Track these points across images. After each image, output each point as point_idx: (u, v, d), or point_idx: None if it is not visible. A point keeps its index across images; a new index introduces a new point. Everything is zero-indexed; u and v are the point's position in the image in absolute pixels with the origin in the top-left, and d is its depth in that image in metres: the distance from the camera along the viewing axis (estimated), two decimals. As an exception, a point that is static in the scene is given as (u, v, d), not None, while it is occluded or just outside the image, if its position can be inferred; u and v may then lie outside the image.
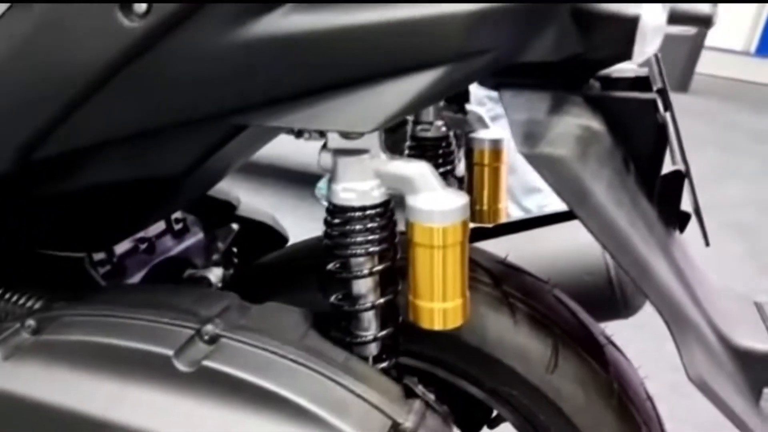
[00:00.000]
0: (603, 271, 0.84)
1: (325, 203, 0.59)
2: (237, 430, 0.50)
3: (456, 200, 0.53)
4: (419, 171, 0.54)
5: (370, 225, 0.57)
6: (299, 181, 2.88)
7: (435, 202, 0.53)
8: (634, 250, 0.52)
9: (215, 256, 0.94)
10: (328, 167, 0.56)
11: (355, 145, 0.55)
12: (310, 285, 0.67)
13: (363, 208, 0.56)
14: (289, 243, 0.99)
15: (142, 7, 0.45)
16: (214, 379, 0.52)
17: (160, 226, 0.87)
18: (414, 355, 0.68)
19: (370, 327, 0.62)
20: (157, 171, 0.64)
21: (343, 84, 0.46)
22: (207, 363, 0.52)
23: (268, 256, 0.78)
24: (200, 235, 0.93)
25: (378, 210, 0.57)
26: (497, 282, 0.68)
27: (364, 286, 0.60)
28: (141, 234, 0.84)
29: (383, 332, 0.62)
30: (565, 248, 0.86)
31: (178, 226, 0.89)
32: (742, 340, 0.60)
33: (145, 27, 0.45)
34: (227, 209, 0.98)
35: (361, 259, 0.59)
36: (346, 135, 0.54)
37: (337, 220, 0.57)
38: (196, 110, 0.49)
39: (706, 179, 3.00)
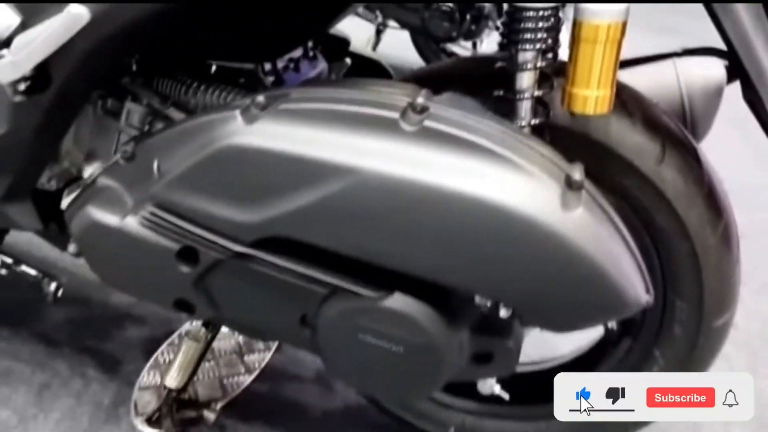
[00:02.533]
0: (678, 102, 0.99)
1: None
2: (456, 171, 0.65)
3: (619, 5, 0.67)
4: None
5: (543, 23, 0.70)
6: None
7: (602, 5, 0.66)
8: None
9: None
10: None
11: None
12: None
13: (539, 6, 0.69)
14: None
15: None
16: (433, 135, 0.66)
17: (299, 52, 0.99)
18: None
19: (526, 118, 0.76)
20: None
21: None
22: (428, 123, 0.66)
23: (420, 69, 0.91)
24: (325, 65, 1.05)
25: (549, 12, 0.70)
26: (619, 91, 0.82)
27: (528, 77, 0.74)
28: (289, 55, 0.96)
29: (536, 120, 0.76)
30: (647, 83, 1.00)
31: (311, 54, 1.01)
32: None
33: None
34: (343, 45, 1.10)
35: (528, 54, 0.72)
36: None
37: (518, 16, 0.70)
38: None
39: None
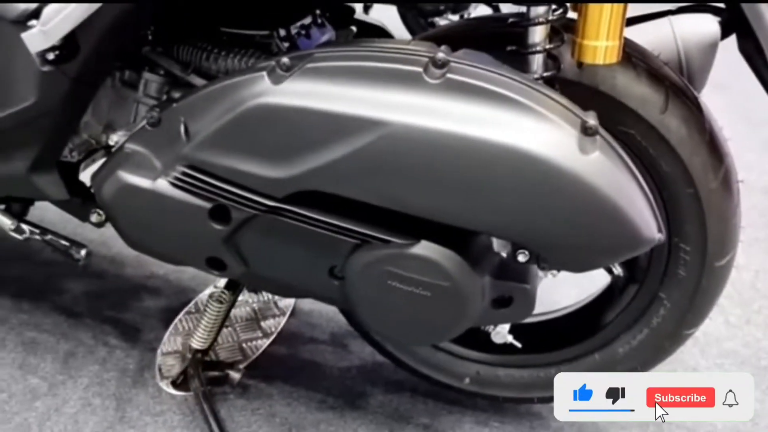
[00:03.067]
0: (675, 57, 1.03)
1: None
2: (478, 120, 0.69)
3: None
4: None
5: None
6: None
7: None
8: None
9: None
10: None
11: None
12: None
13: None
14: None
15: None
16: (456, 87, 0.70)
17: (309, 20, 1.01)
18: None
19: (538, 69, 0.80)
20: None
21: None
22: (450, 76, 0.70)
23: (432, 31, 0.94)
24: (332, 32, 1.08)
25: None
26: (623, 45, 0.86)
27: (540, 32, 0.77)
28: (300, 22, 0.98)
29: (547, 73, 0.80)
30: (645, 40, 1.04)
31: (320, 21, 1.04)
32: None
33: None
34: (348, 13, 1.12)
35: (540, 9, 0.76)
36: None
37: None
38: None
39: None
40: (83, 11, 0.74)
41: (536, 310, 1.13)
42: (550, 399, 1.12)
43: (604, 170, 0.71)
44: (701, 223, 0.92)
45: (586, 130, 0.71)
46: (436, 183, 0.71)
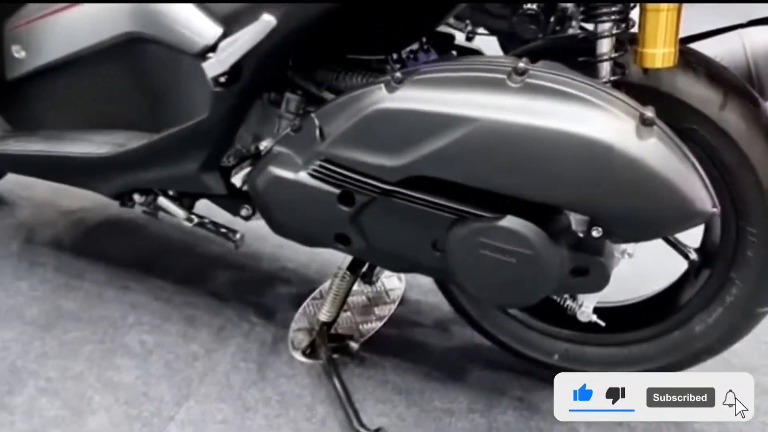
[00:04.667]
0: (745, 66, 1.15)
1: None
2: (552, 115, 0.86)
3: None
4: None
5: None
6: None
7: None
8: None
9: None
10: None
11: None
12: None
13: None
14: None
15: None
16: (533, 89, 0.88)
17: (416, 46, 1.23)
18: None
19: (606, 75, 0.96)
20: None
21: None
22: (529, 80, 0.88)
23: (519, 49, 1.13)
24: (436, 56, 1.28)
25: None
26: (684, 52, 1.00)
27: (606, 43, 0.94)
28: (409, 48, 1.19)
29: (614, 77, 0.96)
30: (714, 48, 1.16)
31: (425, 47, 1.25)
32: None
33: None
34: (449, 40, 1.32)
35: (606, 25, 0.93)
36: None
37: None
38: None
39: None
40: (249, 43, 0.99)
41: (622, 297, 1.28)
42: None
43: (659, 153, 0.85)
44: (764, 206, 1.03)
45: (644, 121, 0.86)
46: (518, 166, 0.88)
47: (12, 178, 1.70)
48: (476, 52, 1.34)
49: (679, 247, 1.20)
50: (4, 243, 1.61)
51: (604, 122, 0.85)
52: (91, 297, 1.46)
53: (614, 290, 1.05)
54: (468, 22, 2.76)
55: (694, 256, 1.18)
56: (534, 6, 2.50)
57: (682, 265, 1.22)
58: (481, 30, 2.76)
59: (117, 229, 1.71)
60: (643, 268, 1.23)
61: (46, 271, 1.53)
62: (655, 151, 0.85)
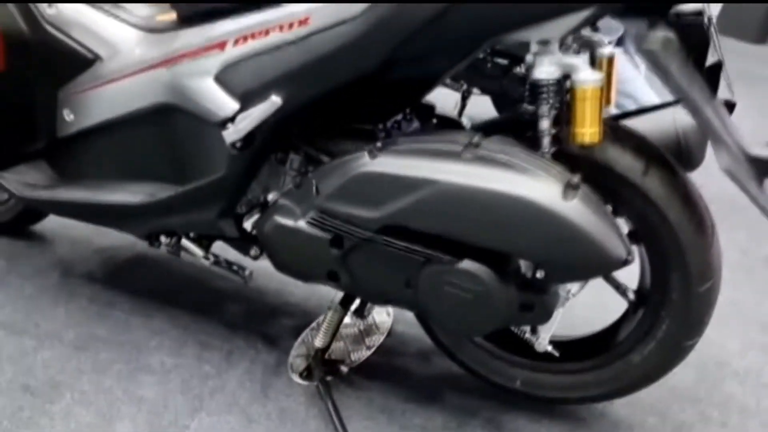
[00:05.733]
0: (673, 136, 1.37)
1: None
2: (496, 180, 1.08)
3: (598, 75, 1.10)
4: (580, 61, 1.10)
5: (552, 89, 1.13)
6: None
7: (589, 75, 1.09)
8: (696, 103, 1.06)
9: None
10: (531, 62, 1.13)
11: (547, 50, 1.11)
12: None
13: (549, 80, 1.13)
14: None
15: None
16: (483, 159, 1.10)
17: (400, 116, 1.46)
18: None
19: (546, 147, 1.19)
20: (427, 72, 1.23)
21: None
22: (480, 152, 1.11)
23: (482, 122, 1.36)
24: (418, 124, 1.52)
25: (556, 81, 1.13)
26: (614, 128, 1.23)
27: (545, 123, 1.17)
28: (394, 119, 1.43)
29: (553, 149, 1.19)
30: (647, 123, 1.38)
31: (408, 117, 1.48)
32: (751, 149, 1.14)
33: None
34: (430, 110, 1.56)
35: (544, 107, 1.16)
36: (545, 42, 1.10)
37: (537, 86, 1.14)
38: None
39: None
40: (260, 118, 1.23)
41: (575, 332, 1.48)
42: (586, 400, 1.44)
43: (580, 212, 1.07)
44: (683, 258, 1.23)
45: (570, 186, 1.08)
46: (469, 220, 1.11)
47: (52, 218, 1.94)
48: (454, 122, 1.58)
49: (620, 289, 1.41)
50: (45, 274, 1.85)
51: (537, 187, 1.08)
52: (119, 323, 1.69)
53: (573, 323, 1.25)
54: (463, 82, 3.03)
55: (632, 296, 1.39)
56: (523, 69, 2.76)
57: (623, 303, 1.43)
58: (475, 90, 3.03)
59: (143, 265, 1.94)
60: (600, 305, 1.45)
61: (82, 300, 1.76)
62: (577, 210, 1.07)
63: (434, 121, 1.54)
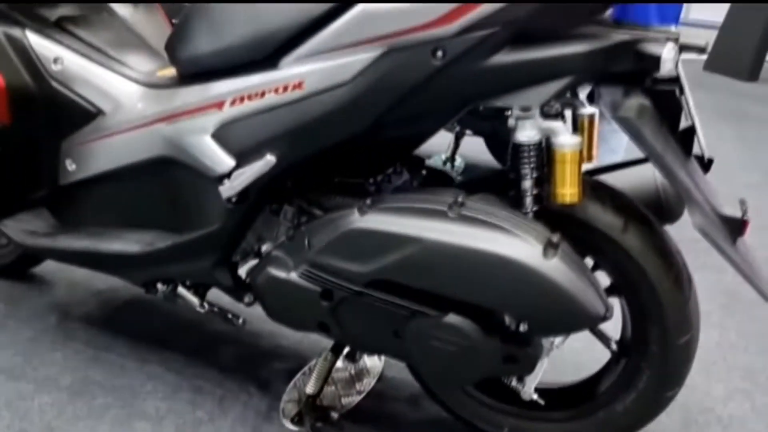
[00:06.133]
0: (653, 190, 1.42)
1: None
2: (479, 239, 1.13)
3: (576, 139, 1.16)
4: (560, 125, 1.16)
5: (533, 152, 1.19)
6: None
7: (568, 140, 1.15)
8: (670, 166, 1.12)
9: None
10: (513, 126, 1.19)
11: (528, 115, 1.17)
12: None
13: (530, 143, 1.18)
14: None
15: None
16: (467, 219, 1.15)
17: (390, 170, 1.52)
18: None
19: (528, 206, 1.24)
20: (416, 131, 1.29)
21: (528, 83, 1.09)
22: (464, 212, 1.16)
23: (468, 178, 1.41)
24: (408, 176, 1.57)
25: (537, 144, 1.19)
26: (594, 186, 1.28)
27: (528, 183, 1.22)
28: (384, 173, 1.49)
29: (535, 208, 1.24)
30: (628, 178, 1.44)
31: (399, 170, 1.54)
32: (723, 210, 1.20)
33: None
34: (420, 162, 1.62)
35: (526, 169, 1.21)
36: (526, 108, 1.16)
37: (519, 148, 1.20)
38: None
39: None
40: (252, 177, 1.28)
41: (564, 376, 1.52)
42: (572, 447, 1.47)
43: (559, 270, 1.11)
44: (661, 312, 1.27)
45: (550, 245, 1.13)
46: (453, 276, 1.15)
47: (50, 262, 1.99)
48: (442, 174, 1.63)
49: (604, 339, 1.45)
50: (42, 317, 1.89)
51: (518, 245, 1.12)
52: (114, 368, 1.72)
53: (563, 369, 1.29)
54: (456, 124, 3.10)
55: (614, 347, 1.43)
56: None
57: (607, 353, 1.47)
58: (468, 132, 3.10)
59: (139, 309, 1.98)
60: (589, 351, 1.48)
61: (78, 344, 1.79)
62: (556, 269, 1.12)
63: (423, 172, 1.60)
